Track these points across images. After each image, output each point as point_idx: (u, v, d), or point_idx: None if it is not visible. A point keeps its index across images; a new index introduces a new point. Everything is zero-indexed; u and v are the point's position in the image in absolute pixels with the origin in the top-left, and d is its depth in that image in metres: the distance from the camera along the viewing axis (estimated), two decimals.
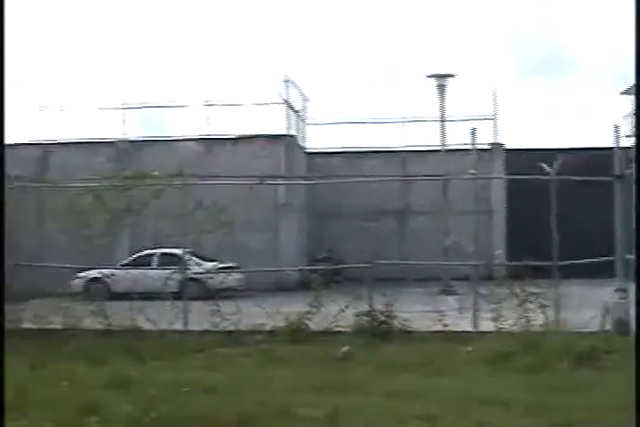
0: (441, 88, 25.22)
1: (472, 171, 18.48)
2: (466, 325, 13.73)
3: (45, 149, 28.51)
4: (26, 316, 14.45)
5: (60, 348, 12.29)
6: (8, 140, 25.97)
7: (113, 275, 19.05)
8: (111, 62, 49.68)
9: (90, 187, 15.45)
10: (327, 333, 13.32)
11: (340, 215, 31.52)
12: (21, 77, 47.56)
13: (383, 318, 13.61)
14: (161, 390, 9.10)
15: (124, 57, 55.99)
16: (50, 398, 8.89)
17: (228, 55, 56.55)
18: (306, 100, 31.61)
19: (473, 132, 15.37)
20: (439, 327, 13.26)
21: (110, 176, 16.90)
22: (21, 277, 15.52)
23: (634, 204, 8.56)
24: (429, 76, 25.43)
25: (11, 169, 17.56)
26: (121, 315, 14.11)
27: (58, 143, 28.57)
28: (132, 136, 29.27)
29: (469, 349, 11.58)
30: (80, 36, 55.71)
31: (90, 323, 14.00)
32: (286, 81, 28.42)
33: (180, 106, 29.41)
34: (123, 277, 18.13)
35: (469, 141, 15.82)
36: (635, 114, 8.29)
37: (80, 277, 21.51)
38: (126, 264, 21.77)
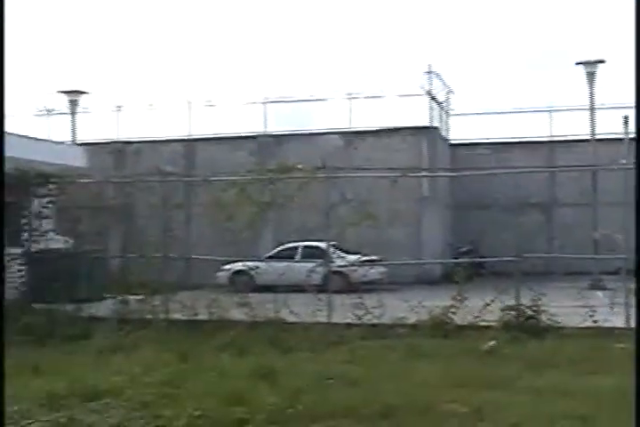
0: (590, 75, 24.43)
1: (623, 161, 17.79)
2: (617, 321, 13.20)
3: (191, 145, 29.24)
4: (175, 307, 14.86)
5: (208, 339, 12.55)
6: (156, 136, 26.74)
7: (257, 267, 19.32)
8: (254, 58, 50.58)
9: (235, 181, 15.70)
10: (472, 327, 13.09)
11: (483, 208, 31.00)
12: (168, 75, 49.02)
13: (531, 313, 13.27)
14: (305, 382, 9.16)
15: (267, 52, 56.86)
16: (198, 388, 9.08)
17: (371, 47, 56.58)
18: (449, 91, 31.21)
19: (625, 120, 14.80)
20: (589, 323, 12.81)
21: (254, 170, 17.12)
22: (172, 269, 16.00)
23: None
24: (578, 64, 24.68)
25: (159, 164, 18.19)
26: (265, 307, 14.30)
27: (202, 139, 29.24)
28: (274, 130, 29.64)
29: (622, 346, 11.11)
30: (223, 33, 56.93)
31: (236, 314, 14.25)
32: (429, 72, 28.10)
33: (322, 99, 29.54)
34: (267, 270, 18.35)
35: (621, 130, 15.23)
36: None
37: (225, 270, 21.97)
38: (270, 257, 22.05)
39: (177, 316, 14.58)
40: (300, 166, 15.35)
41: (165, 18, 57.88)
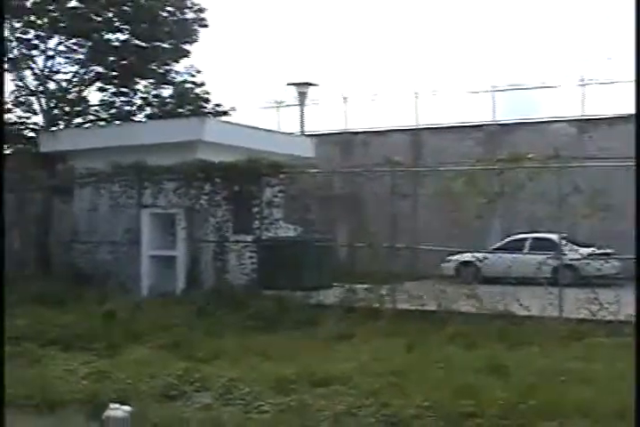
0: None
1: None
2: None
3: (417, 135, 29.15)
4: (402, 297, 14.85)
5: (435, 330, 12.43)
6: (382, 126, 26.83)
7: (485, 259, 18.93)
8: (479, 46, 49.84)
9: (462, 170, 15.45)
10: None
11: None
12: (394, 65, 49.23)
13: None
14: (536, 378, 8.85)
15: (493, 39, 55.81)
16: (426, 379, 8.99)
17: (598, 32, 54.13)
18: None
19: None
20: None
21: (483, 159, 16.77)
22: (399, 259, 15.99)
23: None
24: None
25: (386, 154, 18.22)
26: (493, 299, 13.98)
27: (429, 128, 29.07)
28: (502, 119, 28.97)
29: None
30: (449, 21, 56.44)
31: (462, 306, 14.03)
32: None
33: (552, 86, 28.55)
34: (494, 262, 17.91)
35: None
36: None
37: (452, 261, 21.72)
38: (498, 248, 21.59)
39: (404, 306, 14.55)
40: (530, 156, 14.86)
41: (390, 11, 58.13)
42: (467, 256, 20.45)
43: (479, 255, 19.16)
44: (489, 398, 8.04)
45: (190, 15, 24.98)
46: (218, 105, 25.46)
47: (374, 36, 57.73)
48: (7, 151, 24.74)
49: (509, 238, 22.99)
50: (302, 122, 28.02)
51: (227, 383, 9.04)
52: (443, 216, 18.39)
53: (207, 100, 25.39)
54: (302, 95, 28.52)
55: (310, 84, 28.83)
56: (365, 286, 15.37)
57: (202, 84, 25.54)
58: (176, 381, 9.15)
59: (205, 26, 25.13)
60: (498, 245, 22.49)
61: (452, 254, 21.22)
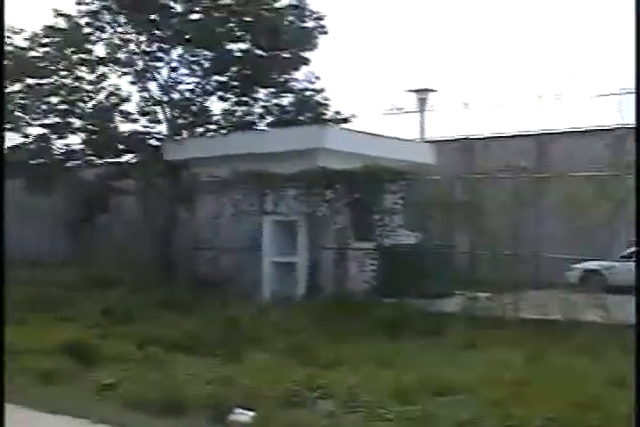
0: None
1: None
2: None
3: (541, 140, 28.52)
4: (525, 305, 14.55)
5: (559, 339, 12.11)
6: (504, 131, 26.28)
7: (613, 267, 18.36)
8: (606, 47, 48.47)
9: (589, 176, 15.06)
10: None
11: None
12: (516, 70, 48.46)
13: None
14: None
15: (621, 39, 54.32)
16: (550, 390, 8.76)
17: None
18: None
19: None
20: None
21: (612, 164, 16.31)
22: (522, 267, 15.68)
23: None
24: None
25: (509, 160, 17.92)
26: (621, 309, 13.52)
27: (553, 133, 28.41)
28: (630, 122, 28.05)
29: None
30: (573, 22, 55.24)
31: (589, 316, 13.63)
32: None
33: None
34: (621, 270, 17.39)
35: None
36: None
37: (576, 269, 21.16)
38: (625, 256, 20.93)
39: (527, 315, 14.25)
40: None
41: (508, 13, 57.34)
42: (592, 264, 19.91)
43: (605, 264, 18.62)
44: (615, 411, 7.77)
45: (310, 23, 25.17)
46: (338, 112, 25.58)
47: (495, 41, 57.01)
48: (132, 160, 25.53)
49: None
50: (422, 128, 27.87)
51: (349, 391, 9.01)
52: (567, 223, 17.96)
53: (327, 107, 25.55)
54: (422, 101, 28.40)
55: (430, 90, 28.66)
56: (487, 294, 15.14)
57: (321, 91, 25.71)
58: (298, 387, 9.18)
59: (325, 33, 25.28)
60: (626, 253, 21.80)
61: (577, 262, 20.69)
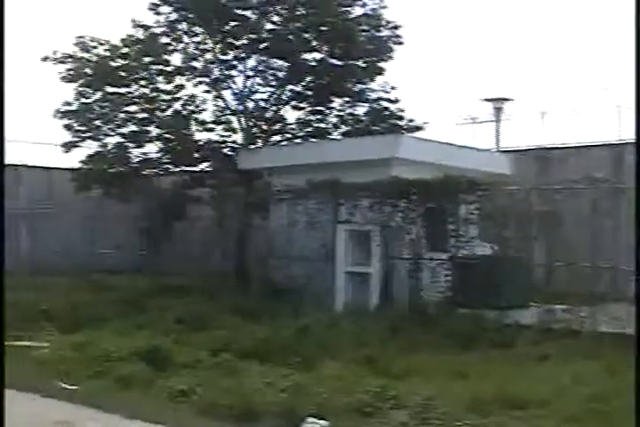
0: None
1: None
2: None
3: (620, 150, 27.97)
4: (603, 318, 14.25)
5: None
6: (582, 141, 25.69)
7: None
8: None
9: None
10: None
11: None
12: (595, 78, 47.67)
13: None
14: None
15: None
16: (629, 407, 8.55)
17: None
18: None
19: None
20: None
21: None
22: (601, 279, 15.37)
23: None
24: None
25: (587, 171, 17.62)
26: None
27: (633, 142, 27.80)
28: None
29: None
30: None
31: None
32: None
33: None
34: None
35: None
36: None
37: None
38: None
39: (604, 328, 13.94)
40: None
41: (586, 21, 56.51)
42: None
43: None
44: None
45: (385, 33, 25.15)
46: (411, 120, 25.48)
47: (572, 50, 56.19)
48: (208, 169, 25.80)
49: None
50: (498, 138, 27.57)
51: (422, 402, 8.94)
52: None
53: (401, 118, 25.47)
54: (498, 111, 28.10)
55: (506, 100, 28.35)
56: (564, 306, 14.87)
57: (396, 101, 25.64)
58: (371, 397, 9.15)
59: (400, 43, 25.22)
60: None
61: None
